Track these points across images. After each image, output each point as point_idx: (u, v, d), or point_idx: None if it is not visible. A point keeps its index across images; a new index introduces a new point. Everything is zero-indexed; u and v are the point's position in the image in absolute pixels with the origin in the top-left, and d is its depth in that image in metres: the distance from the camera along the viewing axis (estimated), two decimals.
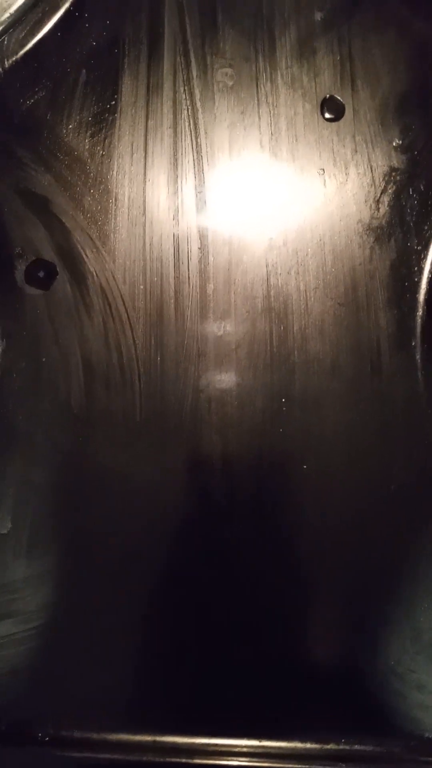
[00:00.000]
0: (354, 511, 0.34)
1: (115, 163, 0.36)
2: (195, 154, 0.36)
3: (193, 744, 0.32)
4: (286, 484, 0.34)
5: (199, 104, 0.36)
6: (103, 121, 0.36)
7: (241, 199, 0.35)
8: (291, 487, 0.34)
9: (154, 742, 0.32)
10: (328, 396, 0.34)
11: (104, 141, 0.36)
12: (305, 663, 0.34)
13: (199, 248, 0.35)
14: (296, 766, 0.32)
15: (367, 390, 0.34)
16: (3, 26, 0.37)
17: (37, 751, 0.33)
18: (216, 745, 0.32)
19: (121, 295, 0.35)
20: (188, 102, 0.36)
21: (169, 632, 0.34)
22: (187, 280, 0.35)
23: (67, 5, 0.37)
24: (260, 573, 0.34)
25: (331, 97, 0.36)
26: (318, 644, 0.34)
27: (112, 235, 0.35)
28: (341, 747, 0.33)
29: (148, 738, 0.33)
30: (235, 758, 0.32)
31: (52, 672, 0.34)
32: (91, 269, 0.35)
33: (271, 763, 0.33)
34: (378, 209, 0.35)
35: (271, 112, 0.36)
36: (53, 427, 0.34)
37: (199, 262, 0.35)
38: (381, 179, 0.35)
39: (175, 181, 0.35)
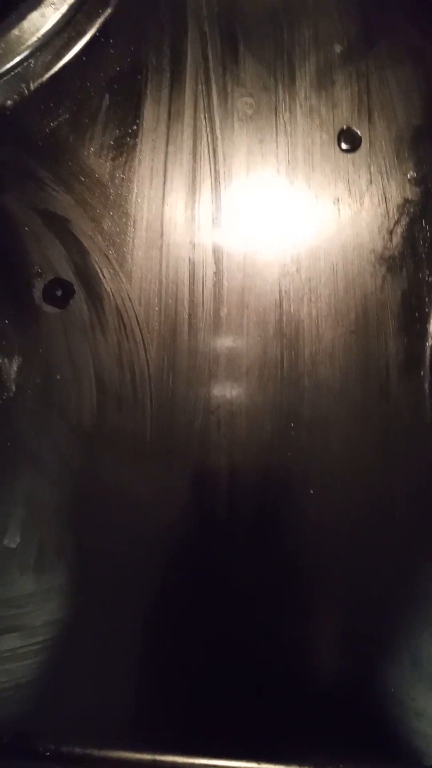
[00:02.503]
0: (358, 536, 0.34)
1: (135, 187, 0.37)
2: (213, 180, 0.36)
3: (192, 764, 0.33)
4: (293, 507, 0.34)
5: (218, 131, 0.37)
6: (124, 145, 0.37)
7: (257, 226, 0.36)
8: (297, 509, 0.34)
9: (154, 761, 0.33)
10: (336, 421, 0.34)
11: (125, 165, 0.37)
12: (305, 687, 0.34)
13: (214, 272, 0.36)
14: None
15: (374, 417, 0.34)
16: (30, 49, 0.38)
17: (38, 766, 0.33)
18: (215, 766, 0.33)
19: (136, 316, 0.36)
20: (208, 129, 0.37)
21: (172, 651, 0.34)
22: (201, 303, 0.36)
23: (92, 31, 0.38)
24: (263, 594, 0.34)
25: (348, 129, 0.36)
26: (318, 668, 0.34)
27: (129, 256, 0.36)
28: None
29: (148, 757, 0.33)
30: None
31: (55, 687, 0.34)
32: (108, 289, 0.36)
33: None
34: (391, 240, 0.35)
35: (289, 141, 0.37)
36: (64, 444, 0.35)
37: (214, 285, 0.36)
38: (395, 210, 0.35)
39: (193, 206, 0.36)
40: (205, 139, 0.37)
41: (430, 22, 0.37)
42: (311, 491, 0.34)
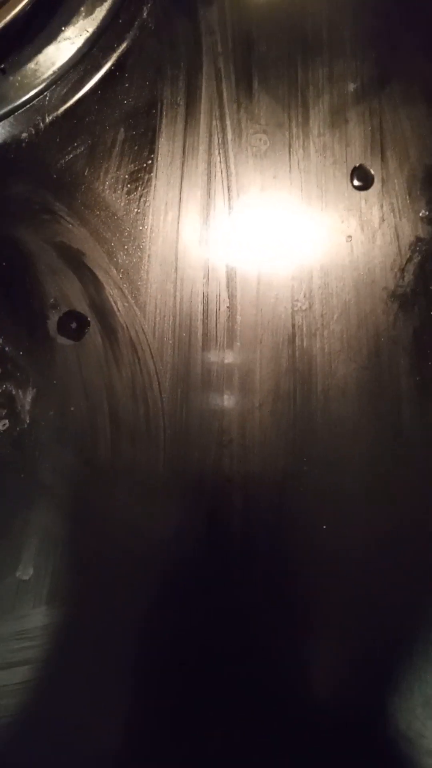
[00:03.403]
0: (370, 574, 0.34)
1: (150, 221, 0.37)
2: (227, 215, 0.37)
3: None
4: (305, 544, 0.34)
5: (233, 167, 0.37)
6: (139, 180, 0.37)
7: (270, 261, 0.36)
8: (309, 546, 0.34)
9: None
10: (349, 458, 0.35)
11: (140, 199, 0.37)
12: (312, 723, 0.34)
13: (228, 307, 0.36)
14: None
15: (387, 455, 0.34)
16: (46, 82, 0.38)
17: None
18: None
19: (150, 349, 0.36)
20: (222, 164, 0.37)
21: (181, 690, 0.34)
22: (214, 337, 0.36)
23: (108, 65, 0.38)
24: (273, 633, 0.34)
25: (361, 166, 0.37)
26: (327, 705, 0.34)
27: (143, 290, 0.36)
28: None
29: None
30: None
31: (58, 721, 0.34)
32: (122, 322, 0.36)
33: None
34: (403, 277, 0.36)
35: (303, 178, 0.37)
36: (77, 477, 0.35)
37: (227, 320, 0.36)
38: (407, 248, 0.36)
39: (207, 241, 0.37)
40: (219, 174, 0.37)
41: None
42: (324, 527, 0.34)
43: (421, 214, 0.36)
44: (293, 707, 0.34)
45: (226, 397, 0.35)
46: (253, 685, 0.34)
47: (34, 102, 0.38)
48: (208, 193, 0.37)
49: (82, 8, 0.38)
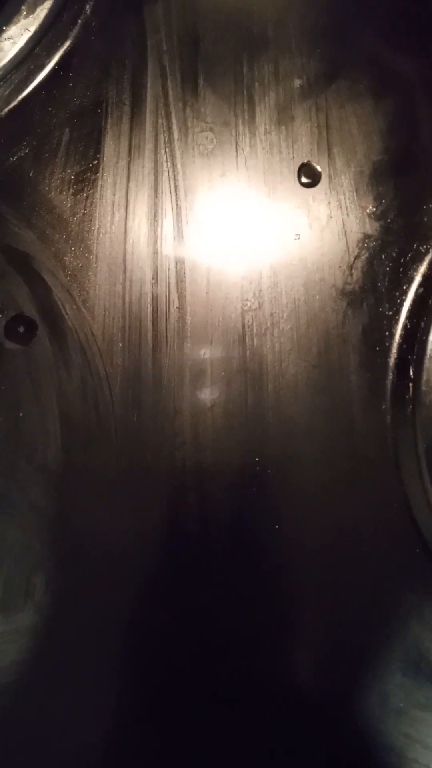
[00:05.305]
0: (327, 571, 0.34)
1: (97, 222, 0.36)
2: (175, 214, 0.37)
3: None
4: (261, 543, 0.34)
5: (179, 166, 0.37)
6: (86, 180, 0.37)
7: (219, 261, 0.36)
8: (265, 545, 0.34)
9: None
10: (302, 456, 0.35)
11: (86, 200, 0.37)
12: (268, 722, 0.34)
13: (178, 308, 0.36)
14: None
15: (339, 452, 0.35)
16: None
17: None
18: None
19: (100, 352, 0.36)
20: (169, 164, 0.37)
21: (141, 696, 0.34)
22: (165, 338, 0.36)
23: (52, 64, 0.38)
24: (238, 625, 0.34)
25: (308, 163, 0.37)
26: (287, 702, 0.34)
27: (92, 292, 0.36)
28: None
29: None
30: None
31: (21, 731, 0.34)
32: (71, 325, 0.36)
33: None
34: (351, 275, 0.36)
35: (250, 175, 0.37)
36: (29, 484, 0.34)
37: (177, 321, 0.36)
38: (355, 245, 0.36)
39: (155, 241, 0.36)
40: (166, 173, 0.37)
41: (389, 61, 0.38)
42: (277, 526, 0.34)
43: (368, 211, 0.36)
44: (250, 706, 0.34)
45: (177, 399, 0.35)
46: (210, 685, 0.34)
47: None
48: (156, 192, 0.37)
49: (23, 6, 0.38)
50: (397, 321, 0.35)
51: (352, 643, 0.35)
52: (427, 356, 0.34)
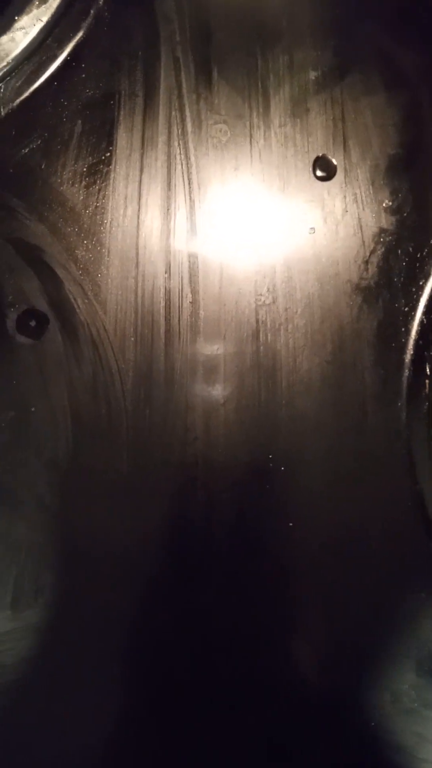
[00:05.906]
0: (336, 570, 0.34)
1: (109, 215, 0.36)
2: (188, 208, 0.36)
3: None
4: (270, 540, 0.34)
5: (193, 159, 0.36)
6: (98, 173, 0.36)
7: (232, 255, 0.36)
8: (270, 544, 0.34)
9: None
10: (314, 453, 0.34)
11: (98, 192, 0.36)
12: (268, 722, 0.34)
13: (191, 302, 0.35)
14: None
15: (350, 449, 0.34)
16: (0, 74, 0.37)
17: None
18: None
19: (112, 347, 0.35)
20: (182, 156, 0.36)
21: (143, 696, 0.34)
22: (177, 333, 0.35)
23: (64, 56, 0.37)
24: (243, 628, 0.34)
25: (323, 157, 0.36)
26: (290, 701, 0.34)
27: (104, 286, 0.36)
28: None
29: None
30: None
31: (21, 731, 0.34)
32: (83, 320, 0.35)
33: None
34: (367, 269, 0.35)
35: (264, 169, 0.36)
36: (39, 479, 0.34)
37: (190, 316, 0.35)
38: (370, 240, 0.35)
39: (168, 235, 0.36)
40: (179, 166, 0.36)
41: (403, 54, 0.37)
42: (290, 524, 0.34)
43: (384, 205, 0.36)
44: (250, 705, 0.34)
45: (189, 394, 0.35)
46: (212, 685, 0.33)
47: None
48: (169, 185, 0.36)
49: None
50: (413, 317, 0.35)
51: (356, 643, 0.34)
52: None
